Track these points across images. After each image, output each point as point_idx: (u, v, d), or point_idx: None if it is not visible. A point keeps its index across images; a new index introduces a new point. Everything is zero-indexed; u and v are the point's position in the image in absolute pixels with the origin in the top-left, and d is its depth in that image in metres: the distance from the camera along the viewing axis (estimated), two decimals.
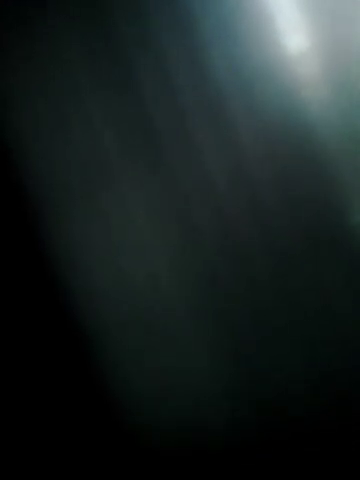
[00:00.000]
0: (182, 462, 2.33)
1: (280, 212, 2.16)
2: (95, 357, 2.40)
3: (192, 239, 2.26)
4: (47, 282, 2.42)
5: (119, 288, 2.34)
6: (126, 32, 2.26)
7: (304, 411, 2.17)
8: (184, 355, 2.30)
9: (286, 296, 2.17)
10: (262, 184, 2.17)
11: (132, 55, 2.26)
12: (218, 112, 2.19)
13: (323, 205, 2.12)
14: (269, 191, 2.17)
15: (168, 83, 2.23)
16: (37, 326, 2.42)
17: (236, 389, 2.25)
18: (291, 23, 2.12)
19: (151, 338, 2.32)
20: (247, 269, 2.21)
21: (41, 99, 2.37)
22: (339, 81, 2.10)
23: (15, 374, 2.42)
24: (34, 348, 2.41)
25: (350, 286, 2.12)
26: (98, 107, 2.32)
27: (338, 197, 2.11)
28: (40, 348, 2.41)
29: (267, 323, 2.19)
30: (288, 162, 2.14)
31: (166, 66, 2.23)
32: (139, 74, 2.26)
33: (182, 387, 2.32)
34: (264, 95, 2.14)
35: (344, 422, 2.14)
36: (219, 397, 2.26)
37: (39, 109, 2.37)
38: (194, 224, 2.26)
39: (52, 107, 2.36)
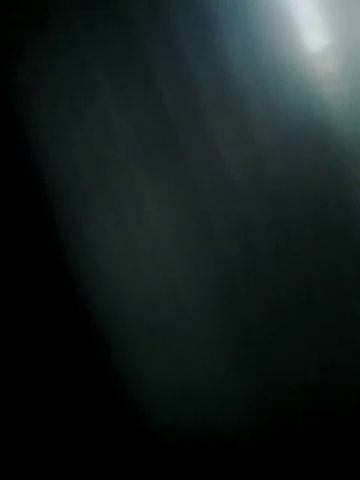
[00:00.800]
0: (194, 461, 2.33)
1: (299, 211, 2.16)
2: (109, 356, 2.40)
3: (207, 237, 2.26)
4: (60, 281, 2.42)
5: (133, 286, 2.34)
6: (144, 30, 2.27)
7: (320, 409, 2.17)
8: (198, 354, 2.30)
9: (302, 295, 2.17)
10: (280, 181, 2.18)
11: (150, 52, 2.27)
12: (236, 109, 2.20)
13: (341, 202, 2.13)
14: (287, 189, 2.17)
15: (187, 80, 2.24)
16: (49, 324, 2.42)
17: (251, 388, 2.25)
18: (310, 21, 2.13)
19: (164, 337, 2.32)
20: (263, 267, 2.21)
21: (57, 94, 2.37)
22: (358, 78, 2.11)
23: (27, 372, 2.42)
24: (47, 346, 2.41)
25: None
26: (115, 104, 2.33)
27: (355, 192, 2.11)
28: (54, 347, 2.41)
29: (283, 322, 2.19)
30: (307, 160, 2.14)
31: (185, 63, 2.23)
32: (157, 71, 2.27)
33: (196, 387, 2.31)
34: (282, 92, 2.15)
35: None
36: (233, 396, 2.26)
37: (55, 105, 2.38)
38: (210, 222, 2.26)
39: (68, 103, 2.37)
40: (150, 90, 2.28)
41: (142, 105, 2.30)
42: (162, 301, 2.31)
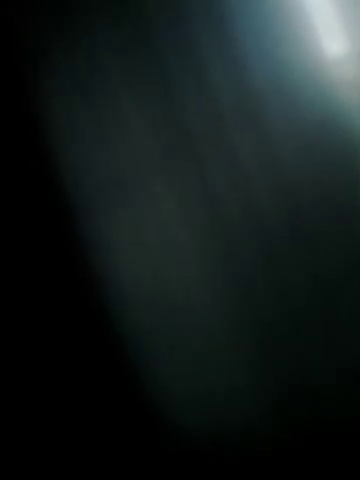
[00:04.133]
0: (204, 462, 2.33)
1: (317, 213, 2.18)
2: (122, 356, 2.40)
3: (223, 238, 2.27)
4: (79, 282, 2.42)
5: (151, 287, 2.34)
6: (164, 35, 2.28)
7: (338, 412, 2.17)
8: (212, 354, 2.31)
9: (319, 294, 2.18)
10: (298, 184, 2.19)
11: (168, 54, 2.29)
12: (255, 112, 2.22)
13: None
14: (305, 192, 2.19)
15: (205, 82, 2.25)
16: (64, 323, 2.42)
17: (265, 389, 2.25)
18: (331, 26, 2.15)
19: (182, 336, 2.32)
20: (279, 268, 2.22)
21: (80, 99, 2.38)
22: None
23: (37, 368, 2.42)
24: (62, 344, 2.41)
25: None
26: (133, 106, 2.34)
27: None
28: (69, 344, 2.41)
29: (302, 325, 2.20)
30: (325, 163, 2.16)
31: (203, 65, 2.25)
32: (175, 72, 2.28)
33: (208, 387, 2.32)
34: (302, 97, 2.16)
35: None
36: (253, 396, 2.26)
37: (78, 109, 2.39)
38: (226, 222, 2.27)
39: (90, 107, 2.38)
40: (168, 92, 2.30)
41: (160, 107, 2.31)
42: (177, 300, 2.32)
